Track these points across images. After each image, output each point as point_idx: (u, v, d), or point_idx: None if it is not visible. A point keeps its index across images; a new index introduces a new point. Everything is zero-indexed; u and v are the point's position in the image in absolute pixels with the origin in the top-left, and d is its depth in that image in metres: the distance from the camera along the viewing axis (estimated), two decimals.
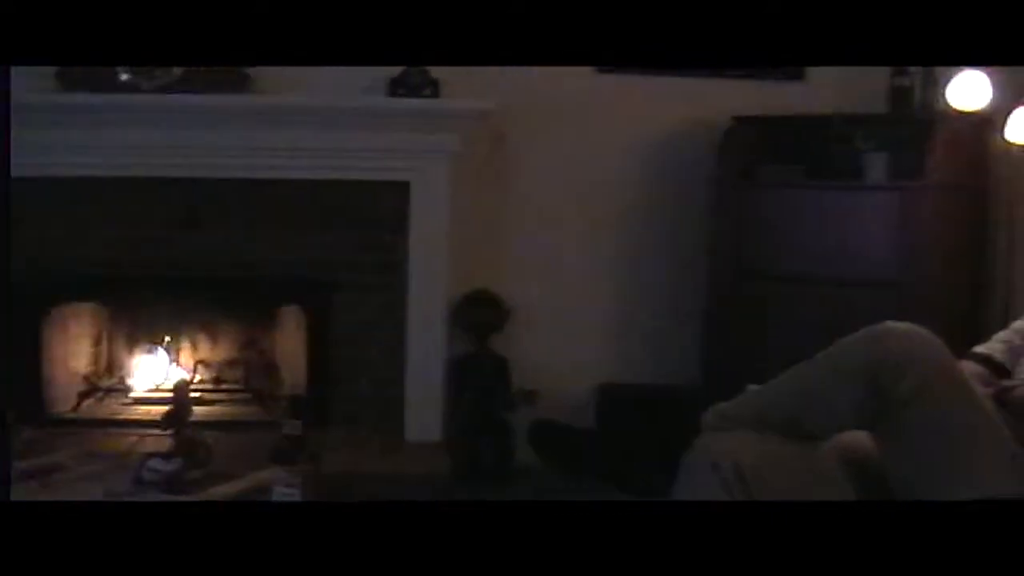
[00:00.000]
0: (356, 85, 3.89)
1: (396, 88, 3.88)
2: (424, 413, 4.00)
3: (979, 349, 2.82)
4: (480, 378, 4.09)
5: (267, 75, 3.83)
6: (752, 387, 2.44)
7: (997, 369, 2.73)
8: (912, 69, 3.94)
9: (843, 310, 2.45)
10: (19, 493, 2.61)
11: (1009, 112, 3.61)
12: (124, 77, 3.73)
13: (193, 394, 3.79)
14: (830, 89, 4.14)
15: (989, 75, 3.63)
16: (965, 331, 2.96)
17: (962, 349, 2.82)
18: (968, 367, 2.72)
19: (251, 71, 3.83)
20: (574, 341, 4.26)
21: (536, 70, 3.88)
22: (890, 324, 2.30)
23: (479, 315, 4.12)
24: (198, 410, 3.59)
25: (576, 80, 4.09)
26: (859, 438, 2.35)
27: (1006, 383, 2.55)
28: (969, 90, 3.65)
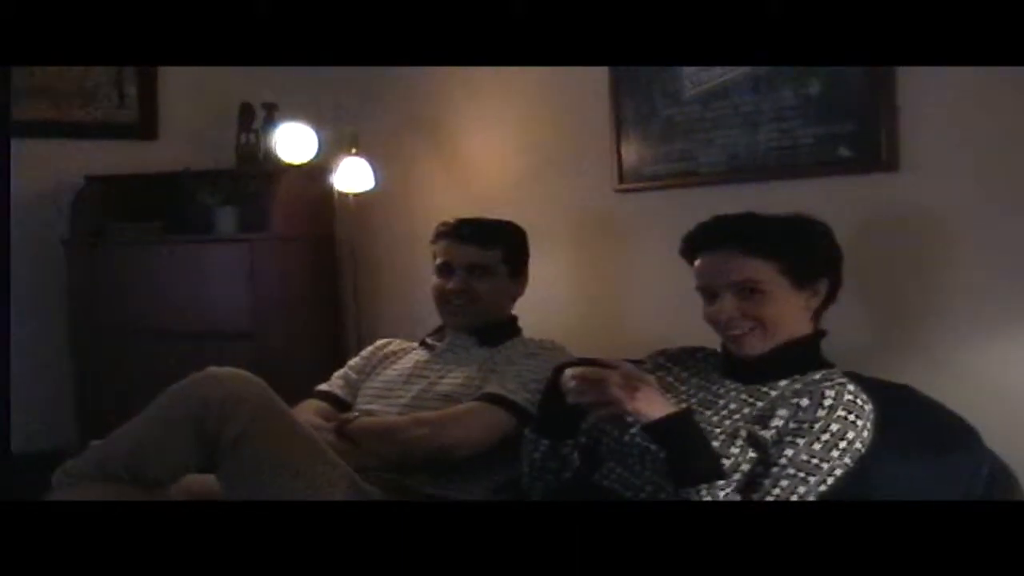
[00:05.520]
0: None
1: None
2: None
3: (322, 387, 3.08)
4: None
5: None
6: (95, 442, 2.52)
7: (339, 403, 3.01)
8: (256, 125, 4.08)
9: (202, 362, 2.56)
10: None
11: (339, 163, 3.84)
12: None
13: None
14: (182, 146, 4.25)
15: (315, 129, 3.85)
16: (324, 373, 3.19)
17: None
18: (314, 405, 2.99)
19: None
20: None
21: None
22: (212, 370, 2.47)
23: None
24: None
25: None
26: (208, 479, 2.51)
27: (344, 416, 2.82)
28: (295, 143, 3.83)
